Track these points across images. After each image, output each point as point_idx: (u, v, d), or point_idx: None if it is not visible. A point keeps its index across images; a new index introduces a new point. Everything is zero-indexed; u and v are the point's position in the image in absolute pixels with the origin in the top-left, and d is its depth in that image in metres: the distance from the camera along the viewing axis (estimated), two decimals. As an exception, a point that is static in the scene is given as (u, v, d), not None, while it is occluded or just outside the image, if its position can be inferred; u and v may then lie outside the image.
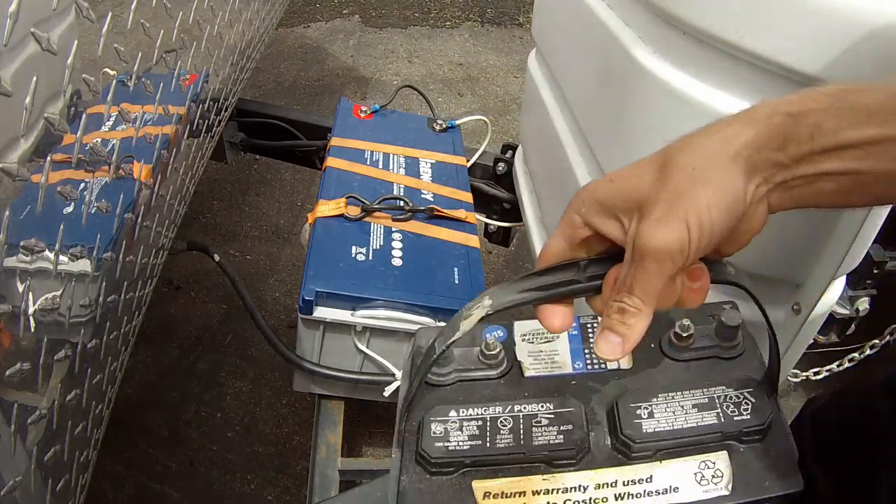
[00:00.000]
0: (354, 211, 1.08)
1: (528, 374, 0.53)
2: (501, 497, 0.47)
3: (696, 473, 0.47)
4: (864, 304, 1.18)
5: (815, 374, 1.35)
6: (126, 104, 0.67)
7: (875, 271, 1.15)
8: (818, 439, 0.60)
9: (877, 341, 1.27)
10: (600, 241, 0.39)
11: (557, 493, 0.46)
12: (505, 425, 0.48)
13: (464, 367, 0.53)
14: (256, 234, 1.94)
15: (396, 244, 1.04)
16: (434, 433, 0.48)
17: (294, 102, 2.54)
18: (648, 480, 0.47)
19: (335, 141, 1.27)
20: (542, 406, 0.50)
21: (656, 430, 0.47)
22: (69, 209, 0.57)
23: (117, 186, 0.67)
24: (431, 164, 1.27)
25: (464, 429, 0.48)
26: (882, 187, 0.35)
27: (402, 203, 1.09)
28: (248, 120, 1.53)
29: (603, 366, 0.54)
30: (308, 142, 1.49)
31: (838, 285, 0.74)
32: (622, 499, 0.46)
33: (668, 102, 0.62)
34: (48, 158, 0.52)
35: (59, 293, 0.56)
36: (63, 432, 0.60)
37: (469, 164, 1.34)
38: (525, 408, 0.49)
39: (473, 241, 1.10)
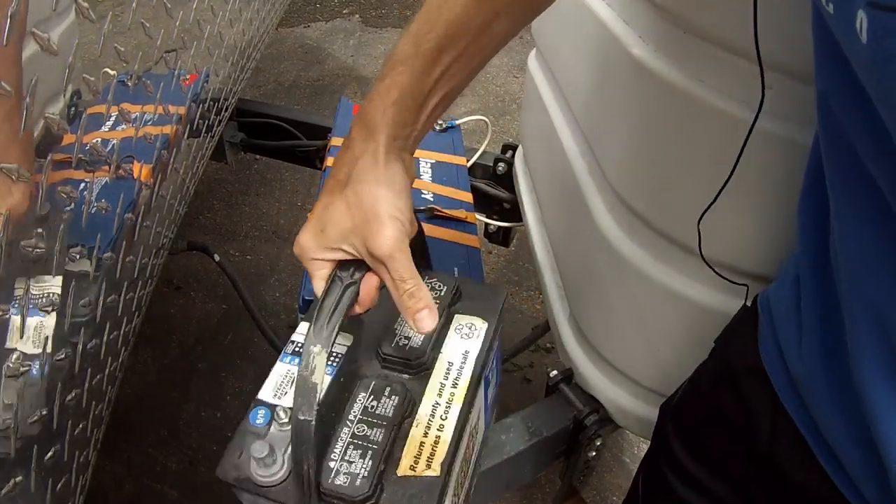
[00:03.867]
0: (354, 211, 1.07)
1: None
2: None
3: None
4: (864, 304, 1.18)
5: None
6: (126, 104, 0.67)
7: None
8: (686, 440, 0.60)
9: (877, 341, 1.27)
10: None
11: None
12: None
13: None
14: (256, 234, 1.94)
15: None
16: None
17: (294, 102, 2.54)
18: None
19: (335, 141, 1.27)
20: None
21: None
22: (69, 209, 0.57)
23: (117, 186, 0.67)
24: (431, 163, 1.27)
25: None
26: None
27: (402, 203, 1.09)
28: (248, 120, 1.53)
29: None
30: (308, 142, 1.49)
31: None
32: None
33: (669, 101, 0.62)
34: (48, 158, 0.52)
35: (59, 293, 0.56)
36: (63, 432, 0.60)
37: (469, 164, 1.34)
38: None
39: (473, 241, 1.10)
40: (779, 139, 0.55)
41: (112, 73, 0.62)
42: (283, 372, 0.58)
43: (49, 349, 0.51)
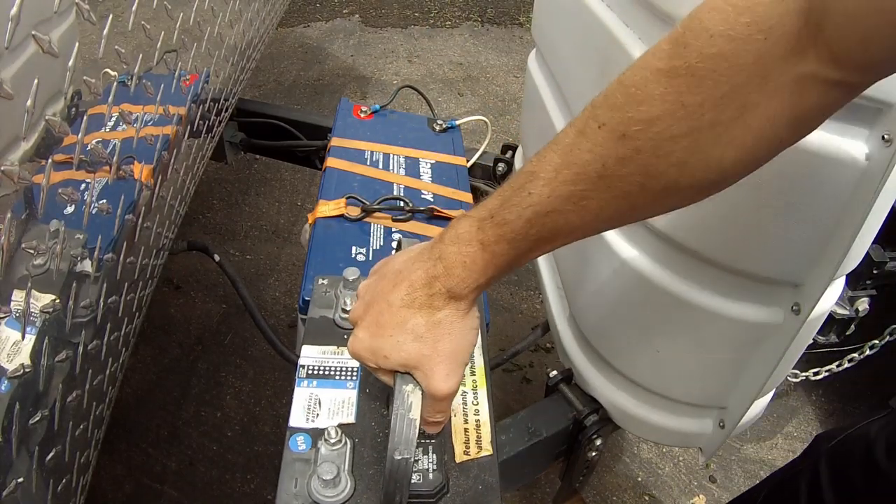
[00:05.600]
0: (354, 211, 1.08)
1: None
2: None
3: None
4: (863, 305, 1.18)
5: (815, 374, 1.36)
6: (127, 105, 0.67)
7: (875, 271, 1.15)
8: (835, 480, 0.62)
9: (877, 341, 1.27)
10: None
11: None
12: None
13: None
14: (256, 234, 1.94)
15: (396, 245, 1.04)
16: None
17: (294, 102, 2.54)
18: None
19: (335, 141, 1.27)
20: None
21: None
22: (70, 210, 0.57)
23: (118, 187, 0.67)
24: (431, 164, 1.27)
25: None
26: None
27: (402, 203, 1.09)
28: (248, 120, 1.53)
29: None
30: (308, 142, 1.49)
31: (838, 285, 0.74)
32: None
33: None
34: (49, 159, 0.52)
35: (59, 294, 0.56)
36: (64, 433, 0.60)
37: (469, 165, 1.34)
38: None
39: (473, 241, 1.10)
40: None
41: (113, 74, 0.62)
42: (305, 396, 0.60)
43: (15, 369, 0.50)
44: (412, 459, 0.47)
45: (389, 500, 0.49)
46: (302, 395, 0.60)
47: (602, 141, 0.38)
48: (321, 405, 0.59)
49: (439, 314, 0.47)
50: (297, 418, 0.58)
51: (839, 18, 0.31)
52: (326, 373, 0.63)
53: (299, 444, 0.56)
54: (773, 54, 0.33)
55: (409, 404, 0.48)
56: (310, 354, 0.64)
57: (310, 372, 0.62)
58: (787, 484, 0.73)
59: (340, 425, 0.56)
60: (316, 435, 0.56)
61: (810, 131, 0.38)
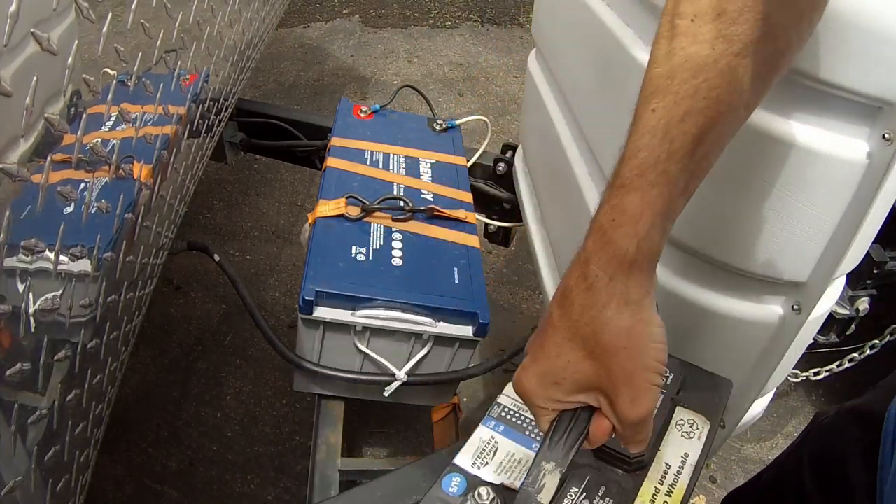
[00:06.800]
0: (354, 211, 1.08)
1: None
2: None
3: None
4: (864, 304, 1.18)
5: (815, 374, 1.35)
6: (126, 104, 0.67)
7: (875, 271, 1.15)
8: (813, 463, 0.64)
9: (877, 341, 1.27)
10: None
11: None
12: None
13: None
14: (256, 234, 1.94)
15: (396, 244, 1.04)
16: None
17: (294, 102, 2.54)
18: None
19: (335, 141, 1.27)
20: None
21: None
22: (69, 209, 0.57)
23: (117, 186, 0.67)
24: (431, 164, 1.27)
25: None
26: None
27: (402, 203, 1.09)
28: (248, 120, 1.53)
29: None
30: (308, 142, 1.49)
31: (838, 285, 0.73)
32: None
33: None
34: (48, 158, 0.52)
35: (59, 293, 0.56)
36: (63, 432, 0.60)
37: (469, 164, 1.34)
38: None
39: (473, 241, 1.10)
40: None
41: (112, 73, 0.62)
42: (485, 438, 0.55)
43: (15, 368, 0.49)
44: None
45: None
46: (483, 434, 0.55)
47: (700, 29, 0.39)
48: (495, 455, 0.54)
49: (606, 312, 0.40)
50: (464, 457, 0.53)
51: None
52: (519, 422, 0.57)
53: (452, 485, 0.51)
54: None
55: (542, 485, 0.42)
56: (510, 394, 0.58)
57: (502, 414, 0.57)
58: (783, 463, 0.75)
59: (504, 486, 0.51)
60: (473, 483, 0.51)
61: None
